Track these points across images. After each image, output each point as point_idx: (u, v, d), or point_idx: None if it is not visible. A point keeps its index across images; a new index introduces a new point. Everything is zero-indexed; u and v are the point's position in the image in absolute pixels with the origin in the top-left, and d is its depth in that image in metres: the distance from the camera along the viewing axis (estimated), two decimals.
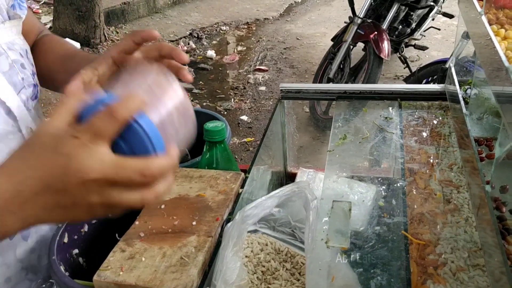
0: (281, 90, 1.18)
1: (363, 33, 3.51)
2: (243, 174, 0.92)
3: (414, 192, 0.82)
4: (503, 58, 0.58)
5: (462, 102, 0.87)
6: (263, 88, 4.70)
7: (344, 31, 3.72)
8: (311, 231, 0.76)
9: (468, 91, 0.98)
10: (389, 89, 1.11)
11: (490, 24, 0.75)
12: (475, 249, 0.70)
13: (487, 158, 0.79)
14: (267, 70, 5.10)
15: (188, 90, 4.72)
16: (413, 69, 4.14)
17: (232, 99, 4.51)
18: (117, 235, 0.81)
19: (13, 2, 0.88)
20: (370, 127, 1.01)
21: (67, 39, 4.63)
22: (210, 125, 0.94)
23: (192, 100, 4.51)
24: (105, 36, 5.44)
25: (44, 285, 0.85)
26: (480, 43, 0.73)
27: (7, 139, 0.79)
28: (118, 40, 5.61)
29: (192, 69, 5.14)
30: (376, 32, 3.43)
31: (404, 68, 4.18)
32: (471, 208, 0.77)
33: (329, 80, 3.64)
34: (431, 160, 0.90)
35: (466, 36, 2.59)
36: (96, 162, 0.47)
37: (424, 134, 0.98)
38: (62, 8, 5.06)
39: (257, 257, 0.82)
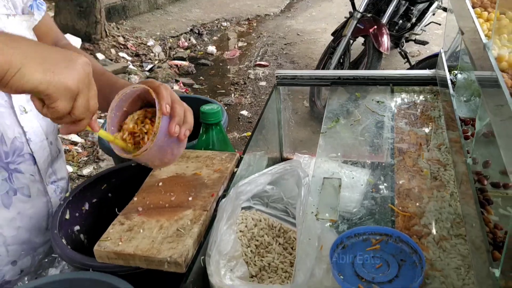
0: (276, 76, 1.21)
1: (362, 27, 3.53)
2: (238, 154, 0.96)
3: (402, 170, 0.85)
4: (482, 34, 0.61)
5: (450, 85, 0.90)
6: (263, 83, 4.72)
7: (344, 25, 3.75)
8: (302, 205, 0.79)
9: (459, 76, 1.01)
10: (382, 74, 1.14)
11: (474, 7, 0.78)
12: (458, 220, 0.73)
13: (472, 137, 0.82)
14: (267, 66, 5.13)
15: (189, 86, 4.76)
16: (413, 64, 4.17)
17: (233, 94, 4.54)
18: (116, 209, 0.84)
19: (31, 2, 0.92)
20: (362, 110, 1.04)
21: (68, 35, 4.67)
22: (206, 107, 0.97)
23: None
24: (106, 32, 5.47)
25: (46, 260, 0.89)
26: (464, 24, 0.76)
27: None
28: (119, 36, 5.65)
29: (193, 65, 5.17)
30: (375, 27, 3.46)
31: (405, 63, 4.20)
32: (456, 184, 0.80)
33: None
34: (420, 141, 0.93)
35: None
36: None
37: (415, 117, 1.01)
38: (63, 3, 5.09)
39: (251, 232, 0.86)
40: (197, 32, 6.21)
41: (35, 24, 0.93)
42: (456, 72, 1.00)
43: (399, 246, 0.67)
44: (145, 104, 0.80)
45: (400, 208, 0.76)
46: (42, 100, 0.58)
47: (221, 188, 0.87)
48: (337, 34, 3.87)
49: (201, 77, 4.97)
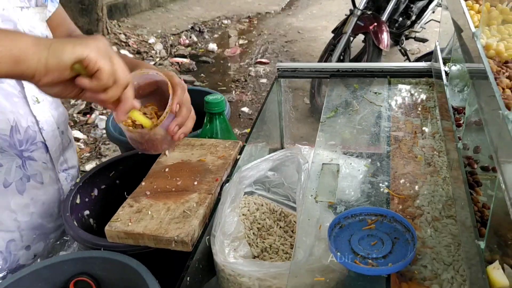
0: (277, 69, 1.25)
1: (363, 24, 3.57)
2: (240, 142, 1.00)
3: (398, 157, 0.89)
4: (471, 24, 0.65)
5: (443, 76, 0.94)
6: (264, 80, 4.76)
7: (344, 23, 3.78)
8: (302, 189, 0.83)
9: (451, 67, 1.04)
10: (379, 67, 1.18)
11: (466, 0, 0.82)
12: (449, 203, 0.77)
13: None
14: (268, 63, 5.16)
15: (190, 83, 4.80)
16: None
17: (234, 91, 4.58)
18: (125, 193, 0.88)
19: None
20: (360, 101, 1.08)
21: None
22: (210, 97, 1.01)
23: None
24: (107, 30, 5.51)
25: (58, 242, 0.93)
26: (456, 17, 0.80)
27: (13, 101, 0.86)
28: (120, 33, 5.69)
29: (194, 62, 5.21)
30: (375, 24, 3.50)
31: (404, 60, 4.23)
32: (448, 169, 0.84)
33: None
34: (416, 130, 0.97)
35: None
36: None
37: (410, 107, 1.05)
38: (65, 1, 5.12)
39: (253, 215, 0.90)
40: (198, 29, 6.25)
41: (49, 16, 0.97)
42: (450, 64, 1.04)
43: (393, 225, 0.71)
44: (156, 89, 0.84)
45: (395, 191, 0.80)
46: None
47: (224, 173, 0.91)
48: (338, 31, 3.91)
49: (202, 74, 5.01)
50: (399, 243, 0.68)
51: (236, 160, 0.95)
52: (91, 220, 0.97)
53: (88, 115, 3.93)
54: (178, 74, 4.98)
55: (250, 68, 5.05)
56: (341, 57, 3.76)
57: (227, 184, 0.87)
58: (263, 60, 5.22)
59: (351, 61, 3.78)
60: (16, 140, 0.86)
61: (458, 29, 0.77)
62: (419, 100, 1.07)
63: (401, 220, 0.71)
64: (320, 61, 4.07)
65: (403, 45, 4.24)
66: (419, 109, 1.04)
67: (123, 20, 6.23)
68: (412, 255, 0.65)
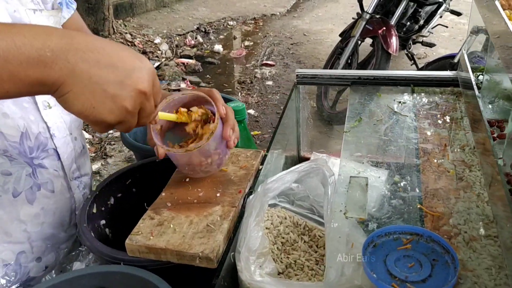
0: (296, 75, 1.22)
1: (371, 28, 3.54)
2: (262, 151, 0.96)
3: (428, 170, 0.86)
4: None
5: (475, 87, 0.91)
6: (270, 82, 4.73)
7: (352, 26, 3.76)
8: (330, 203, 0.80)
9: (480, 77, 1.01)
10: (402, 75, 1.15)
11: (503, 9, 0.78)
12: (487, 221, 0.73)
13: (499, 138, 0.82)
14: (274, 65, 5.13)
15: (196, 84, 4.77)
16: (420, 66, 4.17)
17: (239, 93, 4.55)
18: (145, 204, 0.85)
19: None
20: (384, 110, 1.05)
21: None
22: (231, 105, 0.98)
23: None
24: (113, 29, 5.49)
25: (73, 253, 0.90)
26: (495, 28, 0.77)
27: (23, 106, 0.83)
28: (126, 33, 5.67)
29: (200, 63, 5.18)
30: (384, 28, 3.47)
31: (411, 65, 4.20)
32: (483, 185, 0.81)
33: None
34: (444, 142, 0.94)
35: (475, 31, 2.62)
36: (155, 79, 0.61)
37: (437, 117, 1.02)
38: None
39: (277, 229, 0.87)
40: (203, 30, 6.22)
41: (63, 21, 0.94)
42: (479, 74, 1.00)
43: (430, 245, 0.68)
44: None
45: (428, 207, 0.77)
46: None
47: (247, 185, 0.87)
48: (345, 34, 3.88)
49: (207, 76, 4.98)
50: (439, 265, 0.65)
51: (258, 171, 0.92)
52: (106, 230, 0.94)
53: None
54: (183, 75, 4.96)
55: (256, 70, 5.02)
56: (349, 61, 3.73)
57: (251, 197, 0.84)
58: (269, 62, 5.19)
59: (358, 65, 3.75)
60: (27, 147, 0.83)
61: (497, 41, 0.74)
62: (445, 111, 1.04)
63: (439, 240, 0.68)
64: (327, 64, 4.04)
65: (410, 50, 4.21)
66: (446, 120, 1.01)
67: (128, 19, 6.20)
68: (454, 280, 0.61)
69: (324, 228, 0.89)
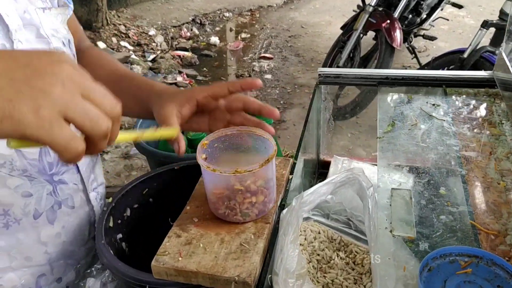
0: (319, 74, 1.15)
1: (375, 21, 3.47)
2: (291, 159, 0.90)
3: (474, 181, 0.80)
4: None
5: None
6: (268, 76, 4.65)
7: (354, 19, 3.68)
8: (372, 219, 0.73)
9: None
10: (433, 75, 1.08)
11: None
12: None
13: None
14: (272, 58, 5.05)
15: (193, 77, 4.67)
16: (421, 60, 4.12)
17: None
18: (167, 218, 0.78)
19: None
20: (417, 114, 0.98)
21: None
22: None
23: None
24: (107, 20, 5.35)
25: (88, 270, 0.82)
26: None
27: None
28: (120, 24, 5.54)
29: (196, 56, 5.08)
30: (388, 21, 3.40)
31: (412, 58, 4.15)
32: None
33: None
34: (486, 149, 0.87)
35: (485, 25, 2.56)
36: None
37: (474, 122, 0.95)
38: None
39: (312, 245, 0.80)
40: (199, 22, 6.11)
41: (68, 18, 0.86)
42: None
43: (492, 269, 0.62)
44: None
45: (480, 224, 0.71)
46: None
47: (279, 197, 0.81)
48: (347, 28, 3.80)
49: (204, 69, 4.89)
50: None
51: (289, 181, 0.85)
52: (123, 244, 0.87)
53: None
54: (180, 68, 4.85)
55: (254, 63, 4.93)
56: (351, 55, 3.66)
57: (284, 211, 0.77)
58: (267, 55, 5.10)
59: (361, 59, 3.69)
60: (46, 163, 0.75)
61: None
62: (482, 114, 0.98)
63: (502, 263, 0.61)
64: (328, 58, 3.96)
65: (411, 43, 4.15)
66: (484, 124, 0.94)
67: (122, 10, 6.07)
68: None
69: (361, 244, 0.83)
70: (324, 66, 3.96)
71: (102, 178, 0.93)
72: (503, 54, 0.99)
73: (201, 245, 0.70)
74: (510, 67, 0.93)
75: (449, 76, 1.07)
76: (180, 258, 0.68)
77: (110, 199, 0.85)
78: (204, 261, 0.67)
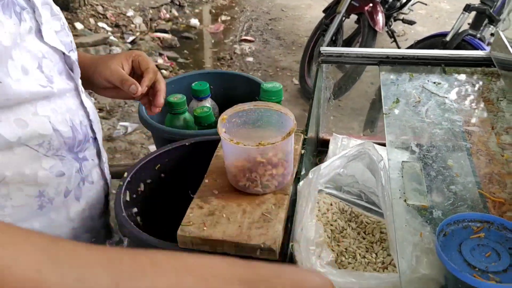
0: (320, 53, 1.17)
1: (357, 5, 3.50)
2: (302, 135, 0.92)
3: (478, 154, 0.84)
4: None
5: None
6: (250, 59, 4.64)
7: (337, 2, 3.70)
8: (386, 190, 0.77)
9: None
10: (432, 54, 1.11)
11: None
12: None
13: None
14: (253, 41, 5.04)
15: (174, 59, 4.63)
16: (400, 44, 4.19)
17: (219, 70, 4.45)
18: (190, 192, 0.80)
19: None
20: (420, 91, 1.01)
21: None
22: (268, 85, 0.93)
23: (178, 70, 4.42)
24: (84, 0, 5.22)
25: (106, 243, 0.84)
26: None
27: (66, 96, 0.76)
28: (97, 5, 5.41)
29: (176, 38, 5.02)
30: (371, 4, 3.44)
31: (391, 42, 4.21)
32: None
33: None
34: (486, 124, 0.92)
35: (467, 9, 2.62)
36: None
37: (475, 99, 1.00)
38: None
39: (325, 216, 0.83)
40: (178, 3, 6.01)
41: None
42: None
43: (503, 233, 0.66)
44: None
45: (487, 193, 0.75)
46: None
47: (294, 170, 0.83)
48: (330, 11, 3.83)
49: (185, 51, 4.84)
50: None
51: (302, 155, 0.88)
52: (138, 218, 0.88)
53: None
54: (160, 50, 4.79)
55: (235, 46, 4.92)
56: (333, 38, 3.69)
57: (301, 183, 0.79)
58: (248, 37, 5.09)
59: (344, 42, 3.72)
60: (76, 141, 0.76)
61: None
62: (480, 92, 1.02)
63: None
64: (310, 41, 3.99)
65: (391, 27, 4.21)
66: (484, 101, 0.99)
67: None
68: None
69: (371, 214, 0.87)
70: (306, 49, 3.98)
71: (105, 151, 0.94)
72: (501, 33, 1.03)
73: (224, 215, 0.72)
74: (509, 46, 0.97)
75: (447, 55, 1.11)
76: (205, 228, 0.70)
77: (125, 174, 0.86)
78: (229, 230, 0.69)
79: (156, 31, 5.23)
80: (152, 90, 0.92)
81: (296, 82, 4.12)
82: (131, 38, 4.91)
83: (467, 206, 0.72)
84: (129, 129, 3.40)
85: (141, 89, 0.85)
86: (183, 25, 5.49)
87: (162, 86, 0.91)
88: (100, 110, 3.57)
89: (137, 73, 0.92)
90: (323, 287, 0.48)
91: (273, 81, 1.01)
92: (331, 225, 0.83)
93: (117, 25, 5.19)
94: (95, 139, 0.82)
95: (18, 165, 0.68)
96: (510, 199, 0.74)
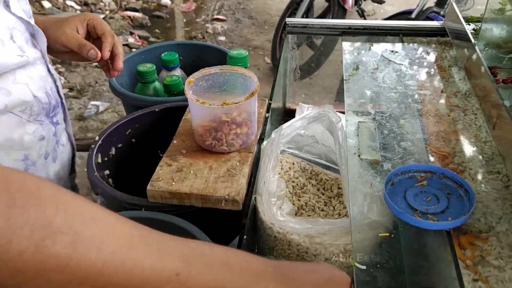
0: (286, 24, 1.22)
1: None
2: (267, 100, 0.97)
3: (428, 115, 0.91)
4: None
5: (470, 35, 0.96)
6: (222, 38, 4.64)
7: None
8: (342, 147, 0.83)
9: (472, 26, 1.05)
10: (391, 25, 1.18)
11: None
12: (487, 159, 0.80)
13: (503, 83, 0.88)
14: (225, 20, 5.02)
15: (145, 38, 4.59)
16: None
17: None
18: (159, 152, 0.84)
19: None
20: (378, 59, 1.08)
21: None
22: (234, 52, 0.97)
23: None
24: None
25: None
26: None
27: (36, 64, 0.79)
28: None
29: (147, 17, 4.97)
30: None
31: None
32: (479, 127, 0.87)
33: None
34: (437, 89, 0.99)
35: None
36: None
37: (429, 66, 1.06)
38: None
39: (287, 174, 0.89)
40: None
41: None
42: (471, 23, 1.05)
43: (444, 181, 0.73)
44: None
45: (433, 148, 0.82)
46: None
47: (258, 132, 0.88)
48: None
49: (156, 30, 4.80)
50: (454, 198, 0.70)
51: (266, 118, 0.93)
52: (110, 180, 0.92)
53: None
54: (131, 29, 4.74)
55: (207, 25, 4.90)
56: (304, 16, 3.73)
57: (264, 143, 0.85)
58: (219, 17, 5.07)
59: None
60: (52, 106, 0.79)
61: None
62: (435, 59, 1.09)
63: (452, 176, 0.73)
64: (281, 20, 4.01)
65: (361, 6, 4.27)
66: (436, 68, 1.06)
67: None
68: (472, 209, 0.67)
69: (330, 172, 0.93)
70: (278, 28, 4.01)
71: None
72: (454, 5, 1.10)
73: (191, 171, 0.77)
74: (461, 17, 1.04)
75: (405, 26, 1.17)
76: (173, 183, 0.75)
77: (97, 138, 0.90)
78: (196, 185, 0.74)
79: (126, 9, 5.15)
80: (110, 53, 0.93)
81: (269, 61, 4.16)
82: (100, 17, 4.83)
83: (414, 160, 0.79)
84: (101, 108, 3.38)
85: (100, 54, 0.86)
86: (154, 3, 5.42)
87: (120, 49, 0.92)
88: (71, 89, 3.54)
89: (92, 36, 0.92)
90: (346, 281, 0.58)
91: (238, 49, 1.06)
92: (293, 182, 0.88)
93: (85, 3, 5.10)
94: (62, 103, 0.85)
95: (6, 131, 0.72)
96: (453, 153, 0.81)
